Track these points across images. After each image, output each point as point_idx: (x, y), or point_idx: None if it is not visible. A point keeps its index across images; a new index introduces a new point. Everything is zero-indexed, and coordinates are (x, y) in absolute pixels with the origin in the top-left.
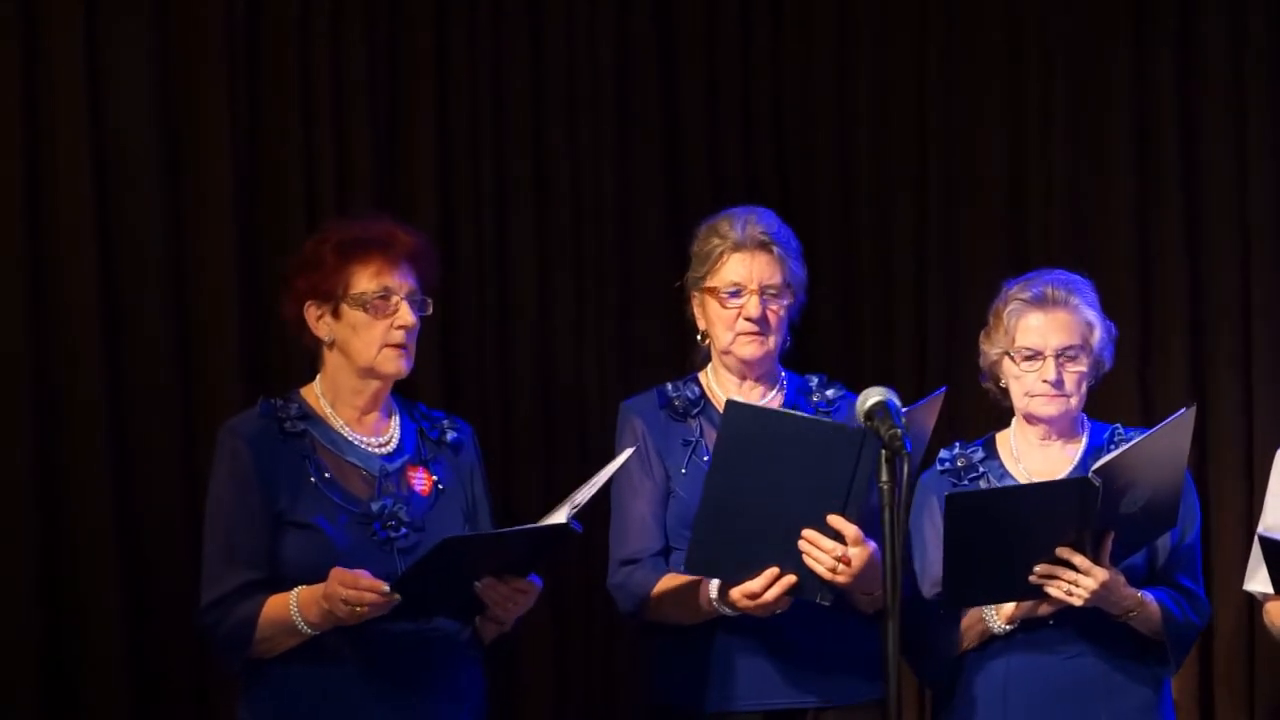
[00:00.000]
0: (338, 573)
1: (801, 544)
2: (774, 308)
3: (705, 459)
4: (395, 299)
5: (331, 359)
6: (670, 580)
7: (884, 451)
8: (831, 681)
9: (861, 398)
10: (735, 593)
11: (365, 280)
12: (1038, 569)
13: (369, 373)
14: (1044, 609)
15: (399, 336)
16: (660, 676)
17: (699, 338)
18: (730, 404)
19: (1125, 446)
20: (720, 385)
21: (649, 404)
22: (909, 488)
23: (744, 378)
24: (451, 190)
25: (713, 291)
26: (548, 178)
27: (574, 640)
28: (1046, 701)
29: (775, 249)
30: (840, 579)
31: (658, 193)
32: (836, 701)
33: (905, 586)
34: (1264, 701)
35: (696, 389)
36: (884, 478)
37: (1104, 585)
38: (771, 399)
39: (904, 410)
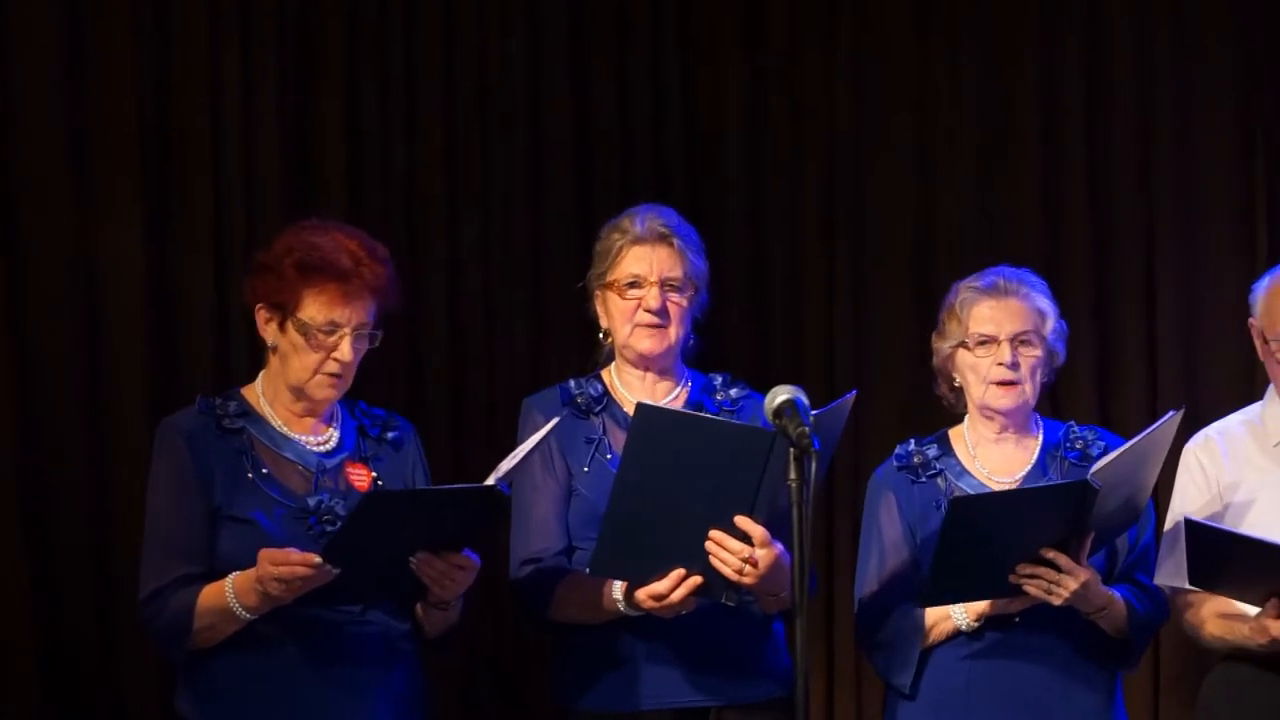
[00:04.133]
0: (266, 553)
1: (708, 545)
2: (675, 300)
3: (608, 457)
4: (341, 332)
5: (274, 362)
6: (574, 580)
7: (792, 450)
8: (737, 680)
9: (770, 396)
10: (641, 594)
11: (315, 308)
12: (1020, 569)
13: (299, 393)
14: (1015, 607)
15: (334, 367)
16: (562, 677)
17: (601, 336)
18: (640, 406)
19: (1121, 450)
20: (623, 382)
21: (551, 401)
22: (816, 486)
23: (646, 370)
24: (361, 189)
25: (613, 285)
26: (458, 181)
27: (483, 641)
28: (1010, 701)
29: (676, 241)
30: (747, 580)
31: (569, 200)
32: (742, 700)
33: (811, 583)
34: None
35: (599, 386)
36: (791, 476)
37: (1084, 585)
38: (675, 397)
39: (813, 411)
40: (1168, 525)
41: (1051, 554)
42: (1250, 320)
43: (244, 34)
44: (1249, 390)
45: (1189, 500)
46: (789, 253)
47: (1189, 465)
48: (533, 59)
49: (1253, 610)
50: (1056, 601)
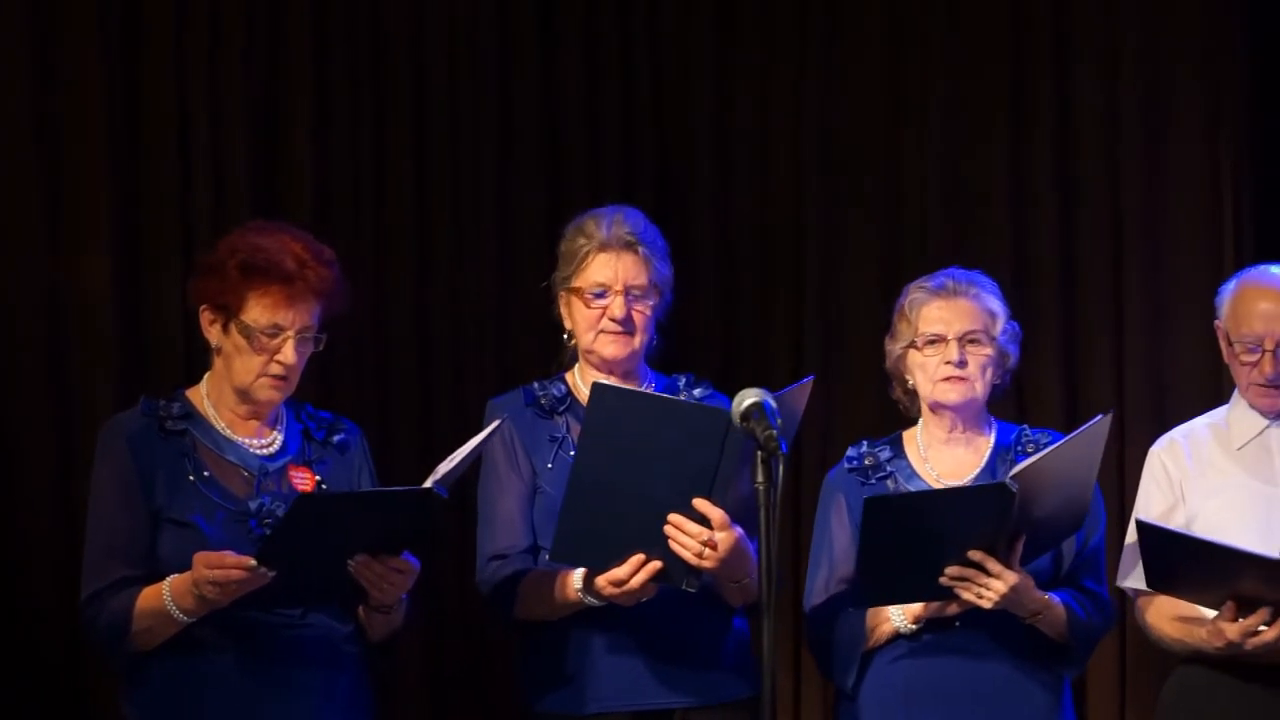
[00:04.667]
0: (200, 556)
1: (667, 529)
2: (639, 308)
3: (572, 454)
4: (284, 335)
5: (218, 364)
6: (537, 575)
7: (760, 453)
8: (702, 680)
9: (737, 399)
10: (601, 580)
11: (258, 311)
12: (949, 571)
13: (243, 395)
14: (951, 610)
15: (277, 370)
16: (529, 679)
17: (565, 337)
18: (596, 386)
19: (1043, 453)
20: (586, 383)
21: (515, 402)
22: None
23: (609, 374)
24: (329, 189)
25: (578, 292)
26: (427, 176)
27: (451, 643)
28: (949, 704)
29: (641, 249)
30: (706, 564)
31: (538, 197)
32: (707, 700)
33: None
34: None
35: (563, 387)
36: (760, 478)
37: (1014, 589)
38: None
39: (777, 398)
40: (1130, 527)
41: (979, 556)
42: (1216, 323)
43: (212, 41)
44: (1216, 392)
45: (1152, 503)
46: (758, 252)
47: (1153, 468)
48: (500, 58)
49: (1210, 613)
50: (986, 605)
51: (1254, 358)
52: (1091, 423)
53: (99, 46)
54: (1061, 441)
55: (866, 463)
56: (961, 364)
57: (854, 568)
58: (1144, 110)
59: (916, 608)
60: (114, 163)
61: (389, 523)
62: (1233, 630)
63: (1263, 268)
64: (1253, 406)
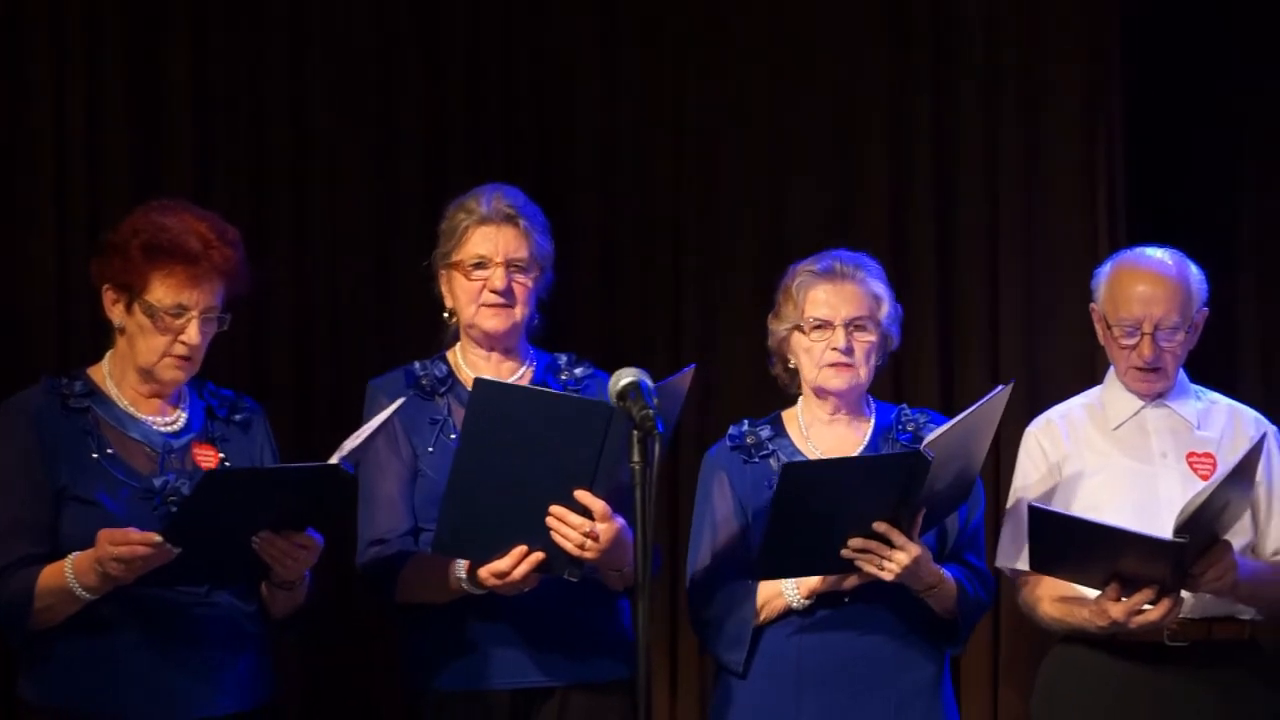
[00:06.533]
0: (105, 533)
1: (549, 520)
2: (520, 280)
3: (453, 437)
4: (188, 315)
5: (121, 343)
6: (419, 560)
7: (636, 432)
8: (581, 661)
9: (614, 379)
10: (483, 572)
11: (162, 291)
12: (852, 543)
13: (147, 374)
14: (850, 583)
15: (181, 350)
16: (411, 659)
17: (446, 315)
18: (478, 381)
19: (954, 421)
20: (468, 363)
21: (396, 383)
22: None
23: (491, 350)
24: (209, 169)
25: (458, 265)
26: (306, 164)
27: (331, 624)
28: (840, 679)
29: (521, 222)
30: (588, 555)
31: (416, 176)
32: (585, 680)
33: (655, 562)
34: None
35: (444, 367)
36: (635, 458)
37: (915, 561)
38: (520, 376)
39: (655, 388)
40: (1009, 508)
41: (884, 528)
42: (1092, 305)
43: (88, 12)
44: (1090, 374)
45: (1029, 483)
46: (638, 237)
47: (1029, 448)
48: (383, 45)
49: (1091, 593)
50: (888, 577)
51: (1132, 341)
52: (994, 393)
53: None
54: (969, 411)
55: (748, 440)
56: (848, 351)
57: (741, 542)
58: (1021, 93)
59: (812, 582)
60: None
61: (293, 499)
62: (1117, 610)
63: (1139, 250)
64: (1129, 390)
